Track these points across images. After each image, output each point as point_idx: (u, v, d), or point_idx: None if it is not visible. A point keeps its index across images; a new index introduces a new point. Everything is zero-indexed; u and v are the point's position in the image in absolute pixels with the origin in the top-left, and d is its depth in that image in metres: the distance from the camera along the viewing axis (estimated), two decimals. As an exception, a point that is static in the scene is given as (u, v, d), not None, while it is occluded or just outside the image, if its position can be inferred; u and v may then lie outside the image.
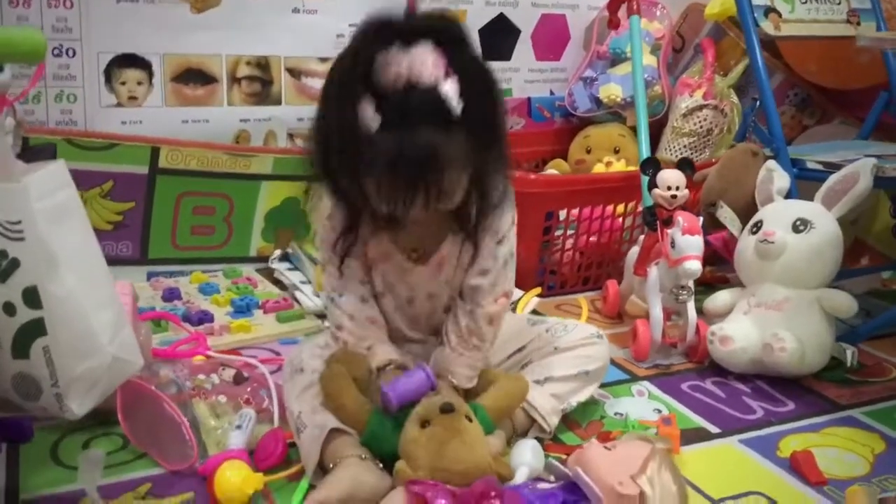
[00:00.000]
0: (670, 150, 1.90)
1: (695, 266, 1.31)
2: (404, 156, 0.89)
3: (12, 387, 0.83)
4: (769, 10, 1.54)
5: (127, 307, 1.16)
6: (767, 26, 1.53)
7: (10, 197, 0.79)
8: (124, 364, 0.88)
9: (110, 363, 0.86)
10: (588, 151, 2.02)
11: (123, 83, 1.62)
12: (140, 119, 1.64)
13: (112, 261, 1.58)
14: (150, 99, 1.65)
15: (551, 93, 2.15)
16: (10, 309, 0.80)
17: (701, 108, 1.87)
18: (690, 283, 1.36)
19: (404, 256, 1.08)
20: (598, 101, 2.03)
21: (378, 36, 0.90)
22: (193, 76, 1.68)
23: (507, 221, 1.09)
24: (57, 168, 0.85)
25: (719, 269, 1.75)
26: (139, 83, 1.63)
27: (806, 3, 1.59)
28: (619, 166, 1.91)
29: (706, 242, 1.56)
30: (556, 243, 1.68)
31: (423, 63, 0.89)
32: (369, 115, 0.89)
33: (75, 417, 0.84)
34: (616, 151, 1.99)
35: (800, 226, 1.33)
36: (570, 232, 1.68)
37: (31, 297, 0.80)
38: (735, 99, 1.89)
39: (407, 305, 1.13)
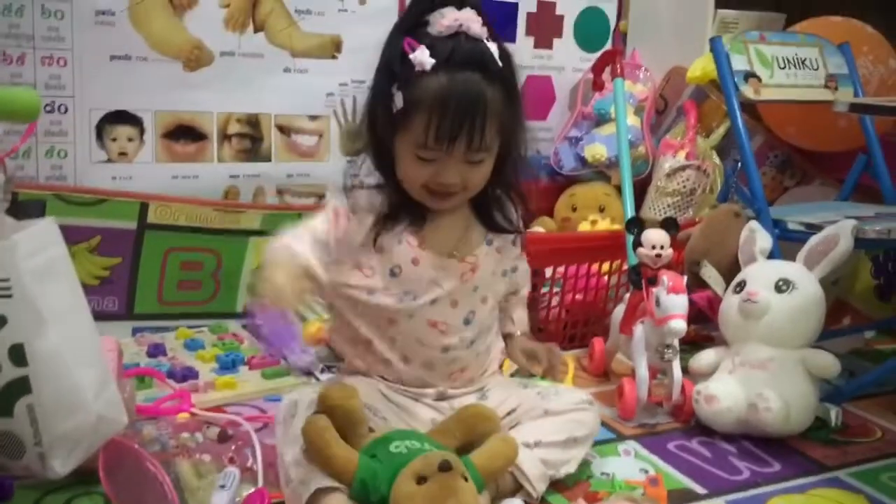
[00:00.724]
0: (654, 209, 1.93)
1: (680, 325, 1.32)
2: (455, 91, 1.02)
3: (-6, 446, 0.82)
4: (749, 75, 1.57)
5: (112, 364, 1.15)
6: (747, 91, 1.57)
7: (-1, 254, 0.80)
8: (109, 422, 0.88)
9: (95, 421, 0.85)
10: (574, 210, 2.05)
11: (114, 139, 1.63)
12: (130, 175, 1.66)
13: (98, 316, 1.58)
14: (140, 155, 1.66)
15: (538, 152, 2.18)
16: (-5, 366, 0.80)
17: (684, 168, 1.90)
18: (675, 342, 1.37)
19: (437, 253, 1.15)
20: (583, 161, 2.07)
21: (433, 1, 1.06)
22: (184, 133, 1.70)
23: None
24: (46, 226, 0.86)
25: (704, 327, 1.76)
26: (130, 139, 1.65)
27: (785, 68, 1.63)
28: (604, 225, 1.93)
29: (690, 302, 1.58)
30: (543, 301, 1.69)
31: (472, 20, 1.05)
32: (424, 57, 1.02)
33: (58, 477, 0.84)
34: (601, 210, 2.02)
35: (782, 286, 1.35)
36: (556, 289, 1.69)
37: (17, 354, 0.80)
38: (717, 160, 1.93)
39: (428, 315, 1.14)
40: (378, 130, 1.12)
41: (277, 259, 1.04)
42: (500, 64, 1.07)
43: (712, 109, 1.99)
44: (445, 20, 1.05)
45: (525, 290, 1.32)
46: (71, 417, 0.82)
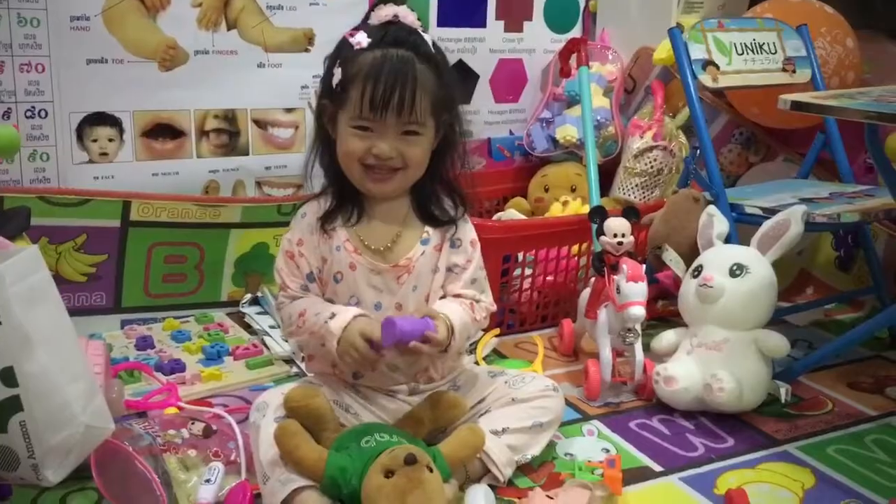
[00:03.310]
0: (623, 189, 1.99)
1: (639, 311, 1.39)
2: (388, 61, 1.11)
3: (-9, 458, 0.89)
4: (707, 63, 1.62)
5: (100, 367, 1.22)
6: (706, 79, 1.62)
7: (-15, 285, 0.86)
8: (97, 431, 0.95)
9: (84, 432, 0.92)
10: (546, 190, 2.11)
11: (95, 140, 1.68)
12: (112, 174, 1.70)
13: (87, 311, 1.69)
14: (120, 154, 1.71)
15: (511, 133, 2.24)
16: (-12, 388, 0.87)
17: (651, 149, 1.96)
18: (637, 326, 1.44)
19: (372, 256, 1.20)
20: (554, 142, 2.12)
21: (379, 1, 1.18)
22: (163, 131, 1.75)
23: (471, 232, 1.26)
24: (30, 254, 0.92)
25: (671, 303, 1.83)
26: (110, 140, 1.70)
27: (743, 54, 1.68)
28: (575, 205, 1.99)
29: (656, 281, 1.66)
30: (515, 283, 1.76)
31: (407, 14, 1.16)
32: (362, 37, 1.13)
33: (51, 485, 0.90)
34: (573, 190, 2.08)
35: (736, 270, 1.41)
36: (527, 272, 1.76)
37: (8, 376, 0.86)
38: (683, 139, 1.98)
39: (379, 320, 1.18)
40: (323, 118, 1.20)
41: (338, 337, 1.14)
42: (433, 51, 1.16)
43: (679, 89, 2.02)
44: (383, 12, 1.16)
45: (465, 292, 1.23)
46: (61, 430, 0.89)
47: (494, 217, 2.01)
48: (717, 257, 1.45)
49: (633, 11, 2.17)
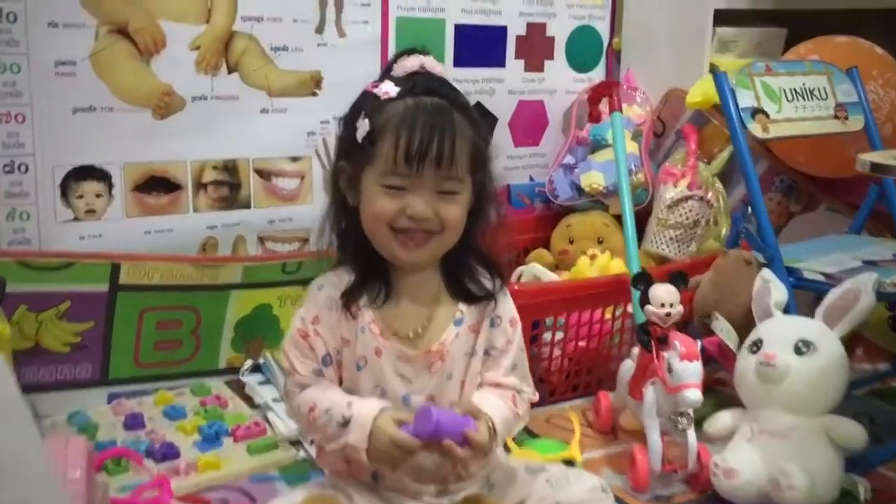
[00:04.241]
0: (656, 242, 1.84)
1: (695, 396, 1.24)
2: (422, 108, 0.98)
3: None
4: (756, 112, 1.48)
5: (81, 470, 1.08)
6: (755, 129, 1.47)
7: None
8: (73, 574, 0.78)
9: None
10: (571, 241, 1.96)
11: (80, 197, 1.52)
12: (99, 233, 1.54)
13: (70, 384, 1.53)
14: (109, 211, 1.55)
15: (531, 179, 2.09)
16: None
17: (686, 199, 1.81)
18: (690, 411, 1.28)
19: (400, 342, 1.05)
20: (579, 189, 1.98)
21: (402, 53, 1.06)
22: (156, 184, 1.59)
23: (512, 310, 1.11)
24: (-7, 366, 0.75)
25: (714, 370, 1.67)
26: (98, 195, 1.54)
27: (793, 100, 1.54)
28: (603, 259, 1.83)
29: (702, 349, 1.50)
30: (544, 351, 1.60)
31: (435, 64, 1.05)
32: (389, 86, 1.01)
33: None
34: (600, 242, 1.93)
35: (802, 348, 1.26)
36: (557, 337, 1.60)
37: (-37, 522, 0.70)
38: (720, 188, 1.84)
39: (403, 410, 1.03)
40: (340, 182, 1.05)
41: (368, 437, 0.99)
42: (467, 102, 1.05)
43: (713, 134, 1.90)
44: (408, 62, 1.04)
45: (506, 381, 1.09)
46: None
47: (516, 271, 1.85)
48: (779, 331, 1.30)
49: (661, 50, 2.03)
